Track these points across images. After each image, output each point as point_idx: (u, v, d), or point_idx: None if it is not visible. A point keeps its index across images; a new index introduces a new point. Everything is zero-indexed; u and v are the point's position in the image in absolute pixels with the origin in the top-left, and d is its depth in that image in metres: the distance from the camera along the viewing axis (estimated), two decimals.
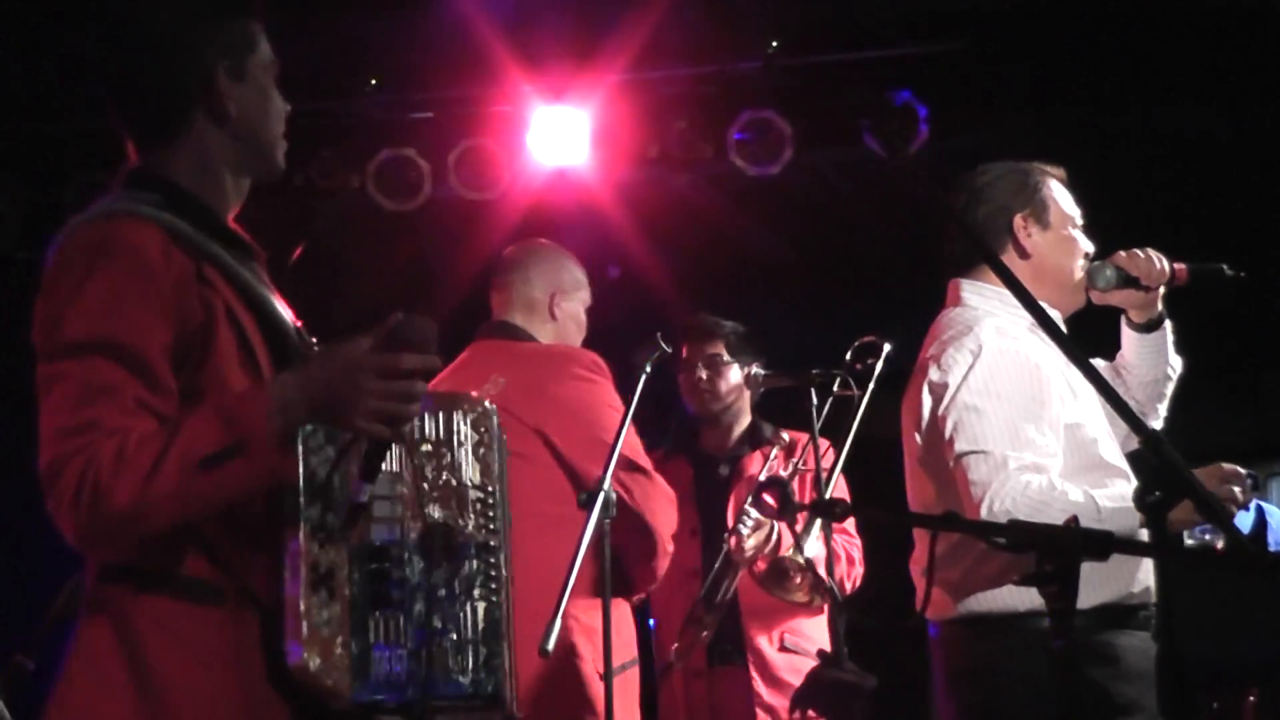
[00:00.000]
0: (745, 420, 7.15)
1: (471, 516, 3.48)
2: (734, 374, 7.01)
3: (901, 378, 5.28)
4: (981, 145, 8.10)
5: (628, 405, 5.16)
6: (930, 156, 8.21)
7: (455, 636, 3.40)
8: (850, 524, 6.80)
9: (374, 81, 8.56)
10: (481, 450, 3.56)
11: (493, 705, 3.46)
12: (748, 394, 7.08)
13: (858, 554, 6.79)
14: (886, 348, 6.49)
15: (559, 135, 8.50)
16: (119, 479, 3.06)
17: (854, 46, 8.29)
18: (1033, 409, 4.80)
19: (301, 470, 3.25)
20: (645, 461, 5.44)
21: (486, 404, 3.62)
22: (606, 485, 4.90)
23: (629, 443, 5.29)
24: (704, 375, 7.03)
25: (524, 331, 5.74)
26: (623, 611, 5.52)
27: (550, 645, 4.61)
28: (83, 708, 3.21)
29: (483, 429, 3.58)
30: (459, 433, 3.54)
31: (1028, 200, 5.12)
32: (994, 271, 4.76)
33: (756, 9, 8.13)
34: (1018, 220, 5.10)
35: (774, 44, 8.27)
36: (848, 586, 6.69)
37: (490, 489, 3.54)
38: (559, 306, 5.77)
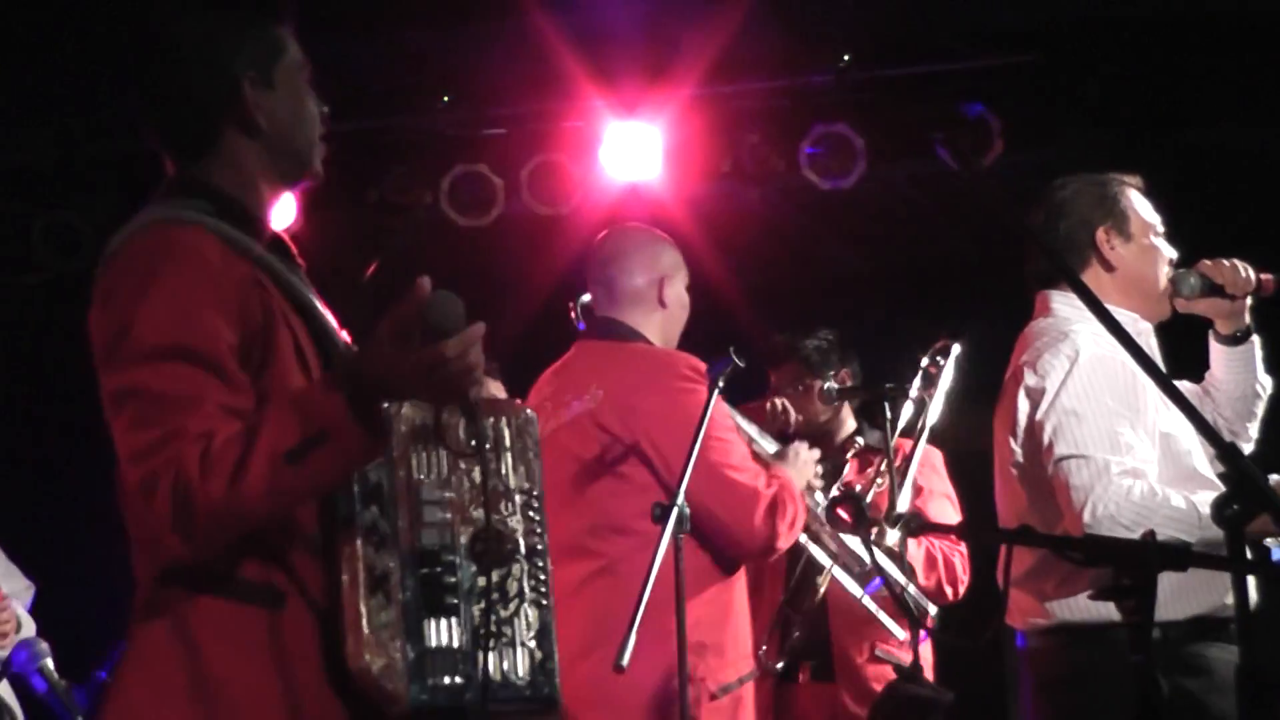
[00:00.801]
0: (847, 428, 7.06)
1: (519, 521, 3.50)
2: (828, 384, 6.80)
3: (981, 389, 5.26)
4: (1055, 158, 8.08)
5: (701, 420, 5.10)
6: (1003, 170, 8.17)
7: (509, 639, 3.41)
8: (941, 476, 6.75)
9: (446, 98, 8.58)
10: (528, 455, 3.57)
11: (549, 707, 3.48)
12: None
13: (960, 561, 6.66)
14: (956, 348, 6.42)
15: (631, 150, 8.50)
16: (209, 482, 3.06)
17: (926, 60, 8.28)
18: (1130, 414, 4.79)
19: (370, 476, 3.28)
20: (735, 470, 5.33)
21: (528, 412, 3.63)
22: (680, 500, 4.87)
23: (721, 449, 5.26)
24: (778, 404, 6.87)
25: (628, 328, 5.57)
26: (739, 624, 5.50)
27: (625, 661, 4.59)
28: (140, 711, 3.22)
29: (526, 435, 3.59)
30: (503, 438, 3.55)
31: (1109, 212, 5.10)
32: (1073, 290, 4.74)
33: (828, 23, 8.12)
34: (1100, 233, 5.07)
35: (846, 57, 8.26)
36: (948, 593, 6.60)
37: (535, 493, 3.56)
38: (665, 292, 5.60)
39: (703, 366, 5.44)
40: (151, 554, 3.25)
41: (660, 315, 5.61)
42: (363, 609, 3.21)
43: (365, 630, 3.21)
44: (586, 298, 5.78)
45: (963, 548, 6.73)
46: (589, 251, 5.78)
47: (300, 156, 3.49)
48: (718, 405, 5.37)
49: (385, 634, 3.23)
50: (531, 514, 3.53)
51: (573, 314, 5.79)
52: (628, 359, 5.53)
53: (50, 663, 5.67)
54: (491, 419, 3.53)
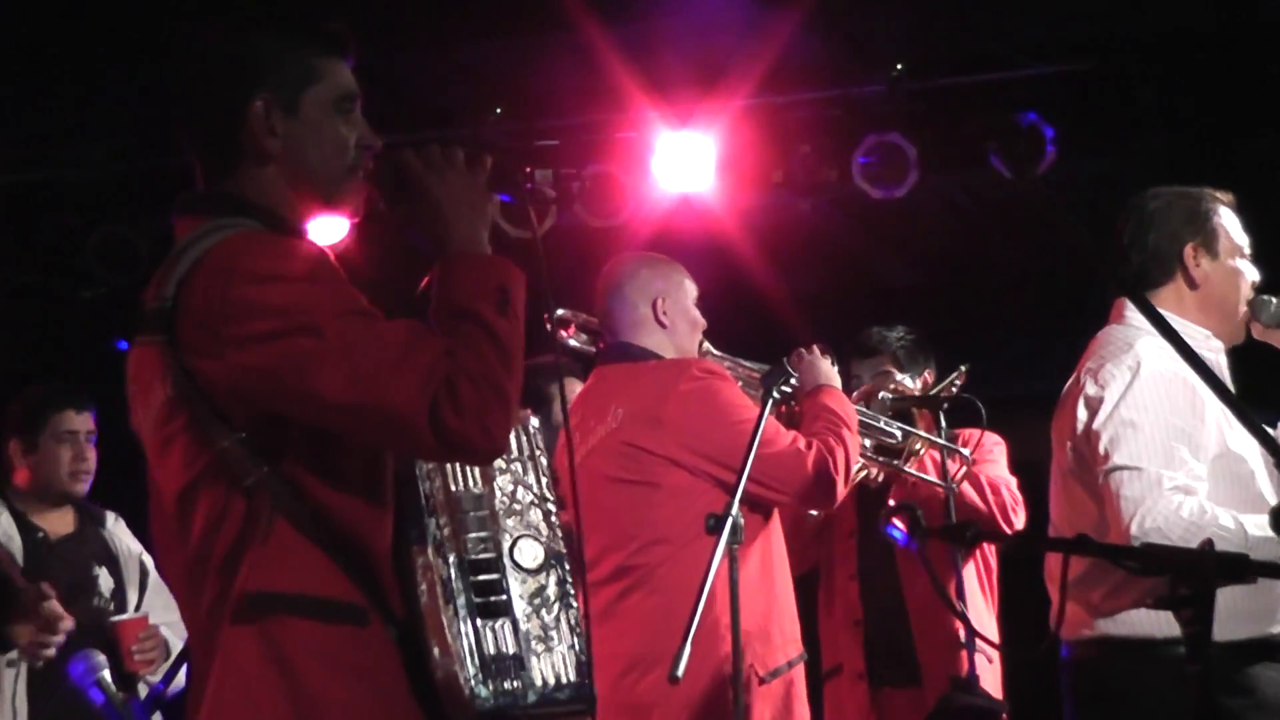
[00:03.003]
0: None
1: (545, 528, 3.54)
2: (883, 392, 6.81)
3: (1039, 400, 5.24)
4: (1109, 167, 8.06)
5: (755, 427, 5.14)
6: (1057, 179, 8.15)
7: (556, 643, 3.46)
8: (1001, 461, 6.74)
9: (499, 110, 8.60)
10: (541, 463, 3.63)
11: (592, 706, 3.53)
12: None
13: (1008, 496, 6.66)
14: (962, 368, 6.53)
15: (684, 161, 8.49)
16: (492, 367, 3.19)
17: (979, 68, 8.25)
18: (1187, 431, 4.76)
19: (422, 488, 3.32)
20: (765, 445, 5.33)
21: (533, 420, 3.68)
22: (734, 510, 4.89)
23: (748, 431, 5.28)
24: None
25: (639, 349, 5.73)
26: (783, 610, 5.57)
27: (680, 672, 4.61)
28: None
29: (535, 444, 3.65)
30: (524, 448, 3.61)
31: (1199, 229, 5.06)
32: (1139, 310, 4.71)
33: (880, 32, 8.11)
34: (1188, 250, 5.04)
35: (898, 67, 8.24)
36: (1004, 527, 6.59)
37: (550, 500, 3.61)
38: (664, 312, 5.75)
39: (711, 365, 5.69)
40: (228, 574, 3.25)
41: (665, 335, 5.76)
42: (444, 619, 3.27)
43: (448, 639, 3.26)
44: (561, 312, 5.99)
45: (1010, 481, 6.70)
46: (594, 290, 5.96)
47: (320, 187, 3.46)
48: (734, 387, 5.58)
49: (459, 642, 3.28)
50: (553, 520, 3.59)
51: (548, 325, 5.92)
52: (642, 375, 5.67)
53: (108, 675, 5.69)
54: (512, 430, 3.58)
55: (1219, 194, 5.16)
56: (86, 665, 5.65)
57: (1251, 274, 5.11)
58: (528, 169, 3.49)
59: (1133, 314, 5.02)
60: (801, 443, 5.48)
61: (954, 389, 6.54)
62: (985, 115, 8.23)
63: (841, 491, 5.56)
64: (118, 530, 6.59)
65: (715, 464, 5.43)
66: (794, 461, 5.45)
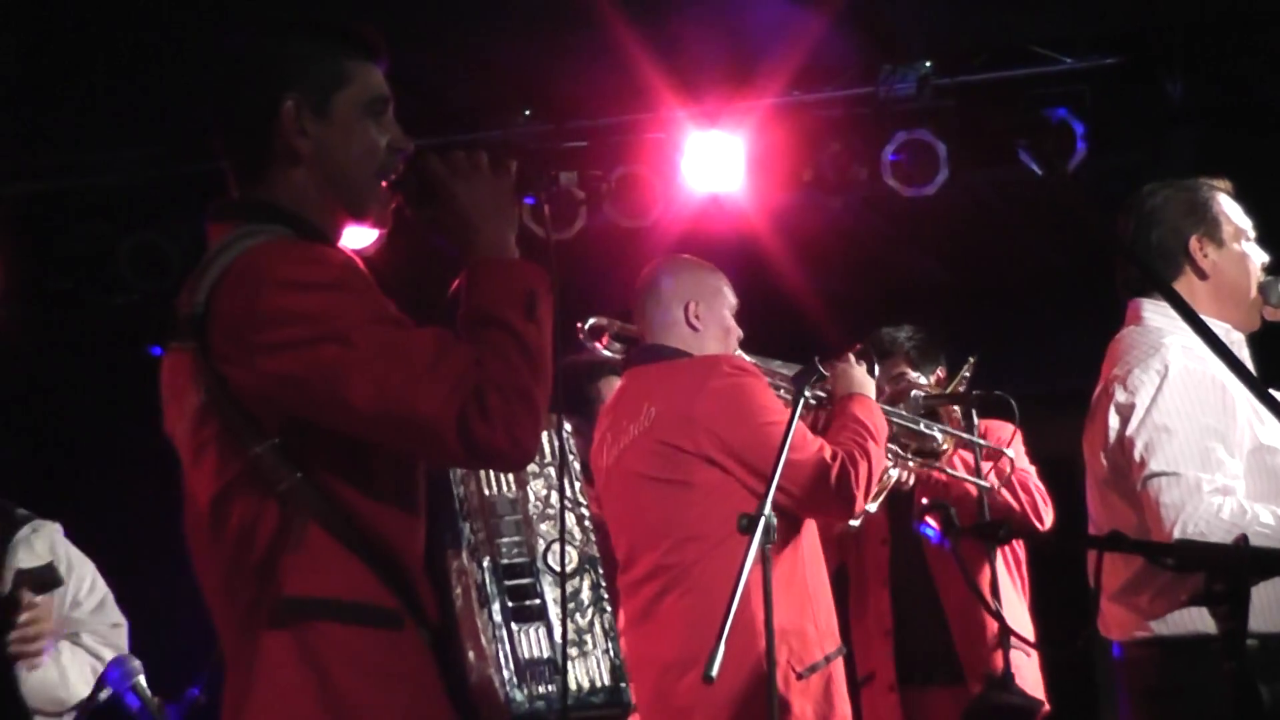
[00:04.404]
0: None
1: (579, 532, 3.56)
2: (916, 389, 6.79)
3: (1072, 397, 5.22)
4: (1139, 162, 8.04)
5: (786, 430, 5.13)
6: (1087, 174, 8.13)
7: (590, 647, 3.47)
8: (1022, 452, 6.71)
9: (527, 111, 8.61)
10: (573, 468, 3.65)
11: (627, 711, 3.58)
12: None
13: (1037, 494, 6.64)
14: (970, 359, 6.57)
15: (713, 161, 8.48)
16: (518, 374, 3.18)
17: (1008, 65, 8.24)
18: (1220, 430, 4.74)
19: (456, 493, 3.33)
20: (794, 450, 5.28)
21: (566, 426, 3.69)
22: (767, 510, 4.88)
23: (777, 435, 5.27)
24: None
25: (670, 349, 5.73)
26: (818, 605, 5.56)
27: (714, 672, 4.61)
28: None
29: (567, 449, 3.67)
30: (556, 452, 3.63)
31: (1200, 219, 5.03)
32: (1168, 302, 4.69)
33: (909, 29, 8.10)
34: (1193, 242, 5.01)
35: (927, 64, 8.23)
36: (1036, 524, 6.61)
37: (583, 504, 3.62)
38: (697, 316, 5.74)
39: (743, 362, 5.69)
40: (262, 580, 3.26)
41: (695, 337, 5.75)
42: (478, 622, 3.28)
43: (483, 643, 3.27)
44: (592, 320, 6.01)
45: (1031, 471, 6.69)
46: (632, 287, 5.97)
47: (348, 193, 3.46)
48: (765, 387, 5.57)
49: (494, 646, 3.29)
50: (586, 524, 3.60)
51: (580, 335, 5.94)
52: (673, 374, 5.67)
53: (143, 680, 5.69)
54: (544, 435, 3.58)
55: (1215, 182, 5.13)
56: (122, 671, 5.65)
57: (1259, 256, 5.09)
58: (553, 172, 3.49)
59: (1150, 315, 5.00)
60: (827, 452, 5.46)
61: (965, 381, 6.54)
62: (1014, 112, 8.22)
63: (860, 506, 5.53)
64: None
65: (741, 464, 5.44)
66: (817, 471, 5.43)
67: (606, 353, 6.04)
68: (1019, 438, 6.62)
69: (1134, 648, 4.87)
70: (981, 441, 6.32)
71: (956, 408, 6.53)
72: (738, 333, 5.83)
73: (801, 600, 5.50)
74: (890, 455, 6.12)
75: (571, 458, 3.65)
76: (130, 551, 7.79)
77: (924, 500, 6.21)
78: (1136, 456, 4.75)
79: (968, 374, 6.57)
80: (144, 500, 6.54)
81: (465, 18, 7.69)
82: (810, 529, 5.64)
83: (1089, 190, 8.32)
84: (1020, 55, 8.21)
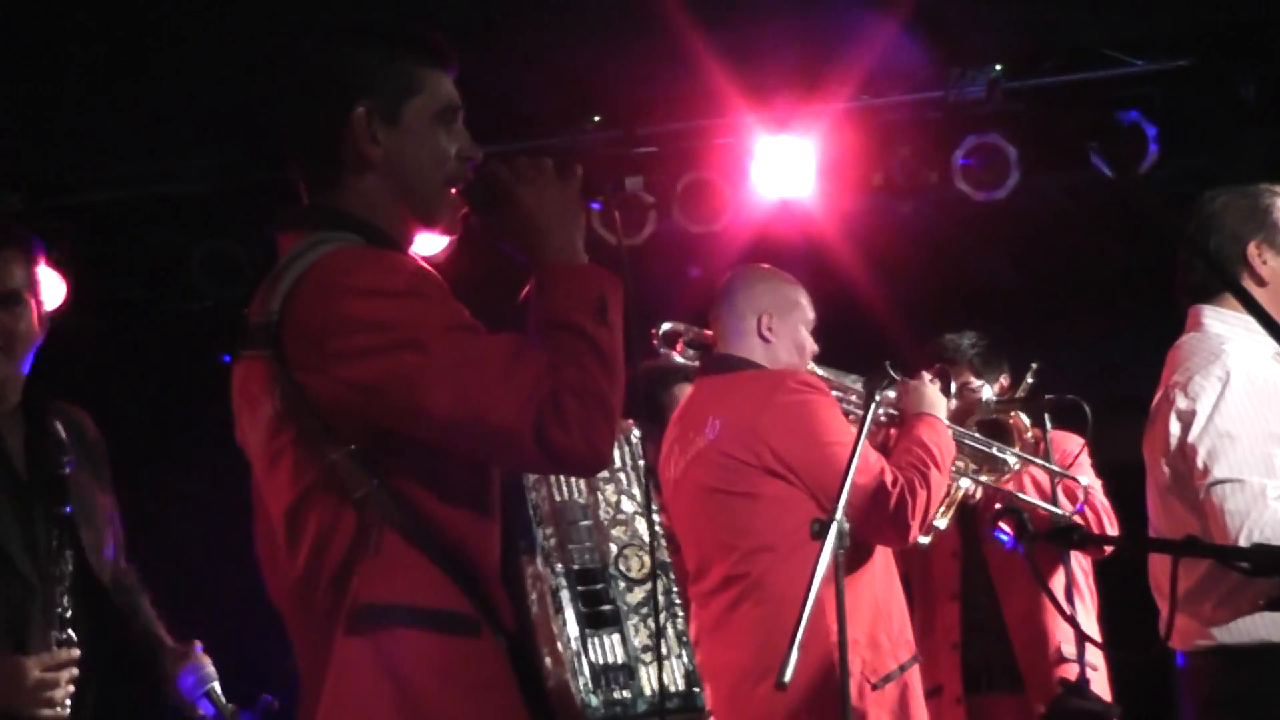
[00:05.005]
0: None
1: (650, 537, 3.56)
2: (985, 395, 6.79)
3: (1135, 401, 5.19)
4: (1213, 164, 7.99)
5: (857, 435, 5.10)
6: (1159, 177, 8.09)
7: (665, 652, 3.47)
8: (1088, 466, 6.65)
9: (596, 118, 8.61)
10: (643, 474, 3.65)
11: (701, 715, 3.58)
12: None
13: (1104, 513, 6.59)
14: (1034, 366, 6.51)
15: (782, 165, 8.47)
16: (594, 378, 3.19)
17: (1079, 67, 8.20)
18: None
19: (529, 498, 3.34)
20: (857, 472, 5.22)
21: (635, 431, 3.71)
22: (839, 516, 4.86)
23: (844, 454, 5.25)
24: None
25: (737, 359, 5.72)
26: (889, 614, 5.57)
27: (787, 678, 4.60)
28: None
29: (638, 455, 3.70)
30: (626, 458, 3.65)
31: (1259, 225, 5.00)
32: (1239, 301, 4.65)
33: (979, 32, 8.07)
34: (1251, 248, 4.98)
35: (997, 67, 8.20)
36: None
37: (654, 510, 3.63)
38: (769, 328, 5.72)
39: (810, 378, 5.64)
40: (339, 586, 3.27)
41: (765, 349, 5.73)
42: (554, 628, 3.28)
43: (559, 648, 3.28)
44: (666, 325, 5.99)
45: (1095, 485, 6.64)
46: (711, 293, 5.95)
47: (419, 200, 3.48)
48: (831, 405, 5.52)
49: (570, 652, 3.30)
50: (657, 529, 3.60)
51: (654, 341, 5.93)
52: (739, 386, 5.65)
53: (217, 686, 5.71)
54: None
55: (1277, 187, 5.09)
56: (197, 677, 5.67)
57: None
58: (618, 176, 3.51)
59: (1210, 321, 4.97)
60: (888, 477, 5.42)
61: (1029, 389, 6.50)
62: (1086, 114, 8.18)
63: (914, 535, 5.50)
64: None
65: (802, 482, 5.43)
66: (875, 497, 5.40)
67: (680, 358, 6.02)
68: (1085, 451, 6.58)
69: (1197, 657, 4.84)
70: (1056, 469, 6.26)
71: (1025, 415, 6.49)
72: (813, 348, 5.80)
73: (874, 609, 5.49)
74: (958, 472, 6.09)
75: (643, 462, 3.65)
76: (203, 558, 7.83)
77: (996, 506, 6.18)
78: (1199, 463, 4.72)
79: (1031, 380, 6.53)
80: (216, 507, 6.57)
81: (533, 24, 7.70)
82: None
83: (1161, 193, 8.28)
84: (1091, 58, 8.17)
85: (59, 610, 4.68)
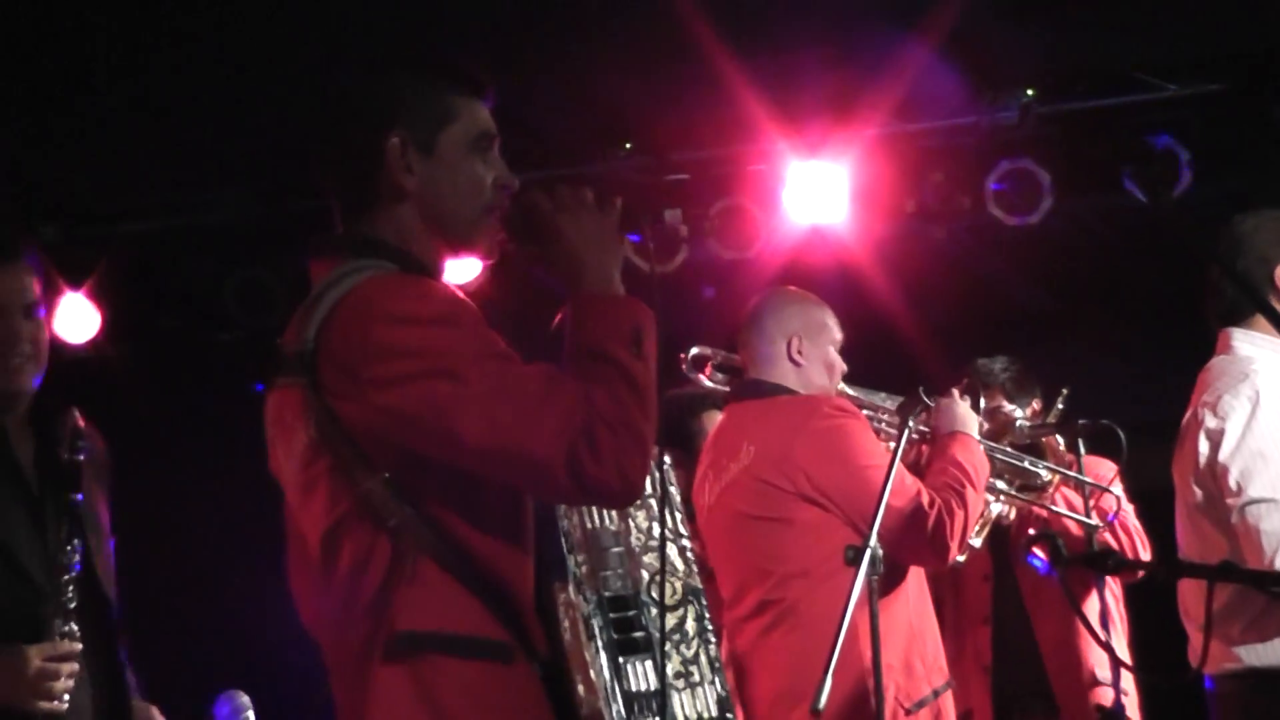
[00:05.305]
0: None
1: (681, 564, 3.56)
2: (1019, 419, 6.73)
3: (1167, 425, 5.18)
4: (1247, 188, 7.96)
5: (892, 459, 5.11)
6: (1193, 201, 8.07)
7: (697, 679, 3.47)
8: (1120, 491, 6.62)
9: (628, 145, 8.61)
10: (674, 500, 3.65)
11: None
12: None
13: (1138, 537, 6.58)
14: (1064, 391, 6.54)
15: (815, 191, 8.45)
16: (627, 409, 3.18)
17: (1111, 92, 8.19)
18: None
19: (560, 526, 3.34)
20: (893, 495, 5.24)
21: (666, 459, 3.68)
22: (873, 542, 4.86)
23: (878, 479, 5.24)
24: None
25: (769, 385, 5.71)
26: (922, 639, 5.55)
27: (821, 704, 4.59)
28: None
29: (668, 482, 3.69)
30: (656, 486, 3.64)
31: None
32: (1268, 320, 4.66)
33: (1011, 58, 8.06)
34: (1279, 271, 4.97)
35: (1029, 92, 8.19)
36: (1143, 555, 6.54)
37: (684, 536, 3.62)
38: (799, 351, 5.71)
39: (844, 403, 5.64)
40: (375, 615, 3.27)
41: (797, 372, 5.72)
42: (586, 655, 3.28)
43: (592, 675, 3.28)
44: (695, 350, 5.97)
45: (1127, 508, 6.62)
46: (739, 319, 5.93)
47: (454, 229, 3.49)
48: (864, 429, 5.51)
49: (602, 679, 3.30)
50: (689, 555, 3.60)
51: (683, 366, 5.92)
52: (772, 412, 5.65)
53: (252, 715, 5.72)
54: None
55: None
56: (232, 706, 5.68)
57: None
58: (657, 209, 3.51)
59: (1240, 344, 4.97)
60: (925, 498, 5.41)
61: (1059, 414, 6.50)
62: (1118, 139, 8.17)
63: (953, 555, 5.50)
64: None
65: (837, 507, 5.42)
66: (913, 520, 5.38)
67: (709, 384, 6.01)
68: (1119, 476, 6.57)
69: (1226, 680, 4.83)
70: (1089, 481, 6.25)
71: (1060, 439, 6.48)
72: (842, 368, 5.79)
73: (909, 634, 5.48)
74: (991, 492, 6.08)
75: (672, 489, 3.65)
76: (237, 586, 7.84)
77: (1030, 531, 6.17)
78: (1232, 483, 4.72)
79: (1061, 405, 6.52)
80: (249, 537, 6.59)
81: (566, 52, 7.71)
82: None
83: (1195, 218, 8.26)
84: (1123, 82, 8.15)
85: (64, 599, 4.67)
